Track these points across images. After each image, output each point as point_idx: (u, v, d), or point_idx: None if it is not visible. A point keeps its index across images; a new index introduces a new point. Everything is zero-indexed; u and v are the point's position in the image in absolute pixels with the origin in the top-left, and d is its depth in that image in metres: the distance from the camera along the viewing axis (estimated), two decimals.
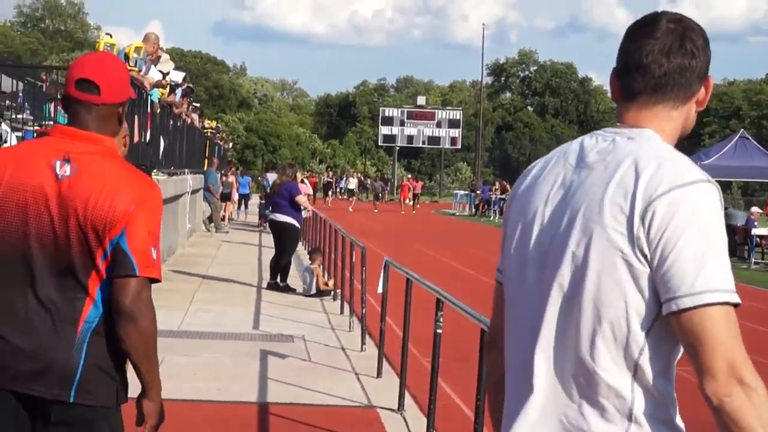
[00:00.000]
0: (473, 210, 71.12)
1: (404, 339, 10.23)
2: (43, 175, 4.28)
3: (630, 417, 2.75)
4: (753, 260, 32.44)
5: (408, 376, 10.25)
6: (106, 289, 4.28)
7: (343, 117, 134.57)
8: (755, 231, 32.96)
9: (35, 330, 4.30)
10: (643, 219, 2.69)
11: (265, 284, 20.44)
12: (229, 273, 22.44)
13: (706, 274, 2.62)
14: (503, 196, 66.10)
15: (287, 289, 19.84)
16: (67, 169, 4.29)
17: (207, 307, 17.19)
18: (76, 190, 4.27)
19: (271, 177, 39.17)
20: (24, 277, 4.32)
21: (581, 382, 2.78)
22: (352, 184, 73.86)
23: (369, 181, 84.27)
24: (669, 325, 2.69)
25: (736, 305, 2.65)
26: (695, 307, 2.61)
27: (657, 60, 2.90)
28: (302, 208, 20.73)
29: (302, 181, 30.95)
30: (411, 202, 71.34)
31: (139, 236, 4.24)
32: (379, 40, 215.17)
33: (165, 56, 22.78)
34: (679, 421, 2.85)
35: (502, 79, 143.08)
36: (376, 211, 64.10)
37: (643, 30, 2.96)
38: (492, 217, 63.24)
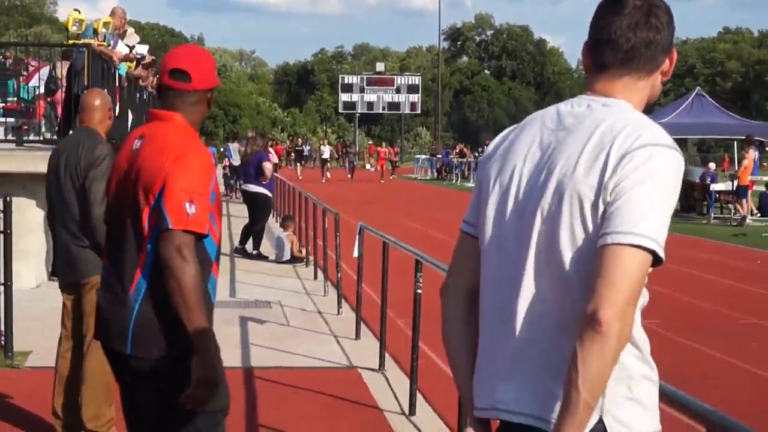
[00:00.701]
0: (435, 174, 71.38)
1: (383, 300, 10.39)
2: (128, 153, 4.79)
3: None
4: (712, 215, 32.72)
5: (388, 338, 10.44)
6: (151, 248, 4.62)
7: (302, 85, 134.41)
8: (714, 186, 33.24)
9: (110, 292, 4.79)
10: (615, 168, 2.94)
11: None
12: None
13: (648, 224, 2.87)
14: (463, 160, 66.44)
15: (260, 257, 20.00)
16: (139, 143, 4.75)
17: None
18: (139, 157, 4.71)
19: (233, 147, 39.32)
20: (117, 246, 4.80)
21: (562, 320, 2.98)
22: (326, 153, 68.80)
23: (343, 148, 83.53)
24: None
25: (657, 261, 2.90)
26: (628, 245, 2.84)
27: (625, 35, 3.15)
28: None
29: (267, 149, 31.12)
30: (387, 169, 69.01)
31: (173, 192, 4.54)
32: (335, 8, 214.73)
33: (131, 30, 22.74)
34: (650, 359, 3.09)
35: (459, 43, 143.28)
36: (350, 179, 63.98)
37: (612, 7, 3.19)
38: (454, 181, 63.42)
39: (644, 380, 3.06)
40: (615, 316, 2.80)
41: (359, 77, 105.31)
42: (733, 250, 23.76)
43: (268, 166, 20.69)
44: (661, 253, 2.89)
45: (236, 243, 21.07)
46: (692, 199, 34.73)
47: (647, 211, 2.89)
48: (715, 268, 20.23)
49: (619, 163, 2.94)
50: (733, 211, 32.50)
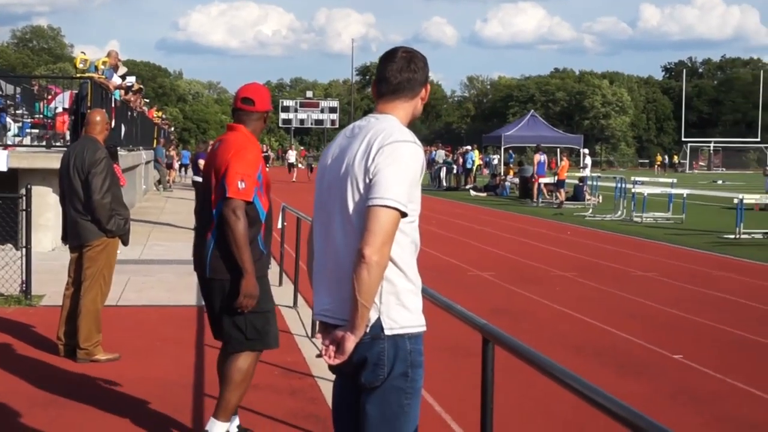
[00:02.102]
0: None
1: (296, 255, 10.49)
2: (212, 151, 5.53)
3: None
4: (540, 200, 33.24)
5: (300, 283, 10.57)
6: (219, 209, 5.26)
7: None
8: (542, 180, 33.77)
9: (198, 238, 5.50)
10: (375, 157, 3.29)
11: None
12: (173, 219, 22.51)
13: (390, 190, 3.22)
14: None
15: None
16: (218, 144, 5.45)
17: (158, 242, 17.36)
18: (216, 152, 5.38)
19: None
20: (202, 208, 5.54)
21: (351, 253, 3.25)
22: (292, 158, 57.72)
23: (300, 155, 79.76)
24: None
25: (404, 214, 3.24)
26: (378, 205, 3.19)
27: (394, 75, 3.51)
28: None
29: None
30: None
31: (230, 173, 5.21)
32: (278, 51, 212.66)
33: (122, 66, 22.68)
34: (414, 278, 3.39)
35: (367, 77, 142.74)
36: (311, 175, 54.95)
37: (387, 57, 3.56)
38: None
39: (409, 293, 3.37)
40: (373, 251, 3.16)
41: (294, 101, 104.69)
42: (553, 225, 24.12)
43: (200, 162, 20.81)
44: (404, 210, 3.23)
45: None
46: (527, 189, 35.25)
47: (392, 183, 3.22)
48: (539, 237, 20.60)
49: (376, 153, 3.28)
50: (554, 197, 33.04)
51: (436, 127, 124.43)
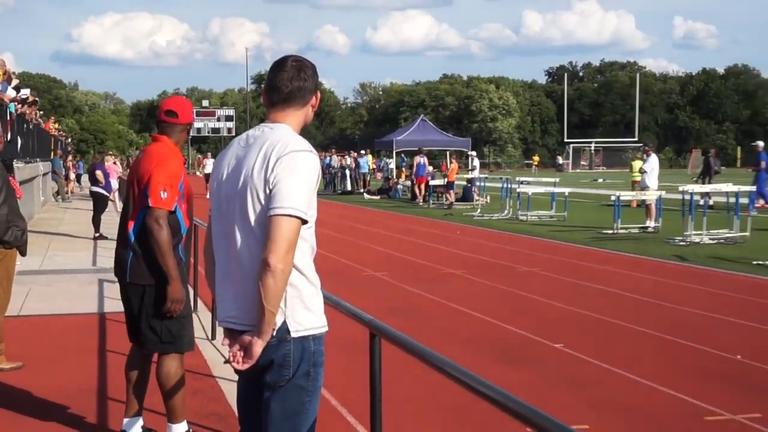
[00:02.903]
0: None
1: (195, 262, 10.32)
2: (137, 160, 5.66)
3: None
4: (431, 202, 33.61)
5: (199, 287, 10.44)
6: (140, 217, 5.35)
7: (151, 116, 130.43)
8: (432, 182, 34.18)
9: (119, 244, 5.53)
10: (274, 168, 3.31)
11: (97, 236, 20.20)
12: (72, 230, 22.13)
13: (290, 199, 3.25)
14: None
15: (101, 238, 19.45)
16: (141, 154, 5.59)
17: (58, 253, 17.03)
18: (139, 162, 5.54)
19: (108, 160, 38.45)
20: (124, 215, 5.61)
21: (256, 261, 3.29)
22: (209, 167, 44.73)
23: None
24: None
25: (304, 221, 3.28)
26: (280, 215, 3.23)
27: (285, 84, 3.49)
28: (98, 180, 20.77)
29: (114, 163, 31.38)
30: None
31: (153, 183, 5.30)
32: (173, 61, 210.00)
33: (14, 77, 22.27)
34: (315, 281, 3.45)
35: (262, 85, 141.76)
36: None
37: (277, 66, 3.54)
38: None
39: (311, 296, 3.42)
40: (278, 260, 3.19)
41: None
42: (443, 225, 24.41)
43: (98, 173, 20.90)
44: (305, 217, 3.28)
45: (102, 231, 20.71)
46: (418, 191, 35.61)
47: (293, 193, 3.26)
48: (430, 237, 20.87)
49: (275, 164, 3.30)
50: (444, 198, 33.45)
51: (330, 133, 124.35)
